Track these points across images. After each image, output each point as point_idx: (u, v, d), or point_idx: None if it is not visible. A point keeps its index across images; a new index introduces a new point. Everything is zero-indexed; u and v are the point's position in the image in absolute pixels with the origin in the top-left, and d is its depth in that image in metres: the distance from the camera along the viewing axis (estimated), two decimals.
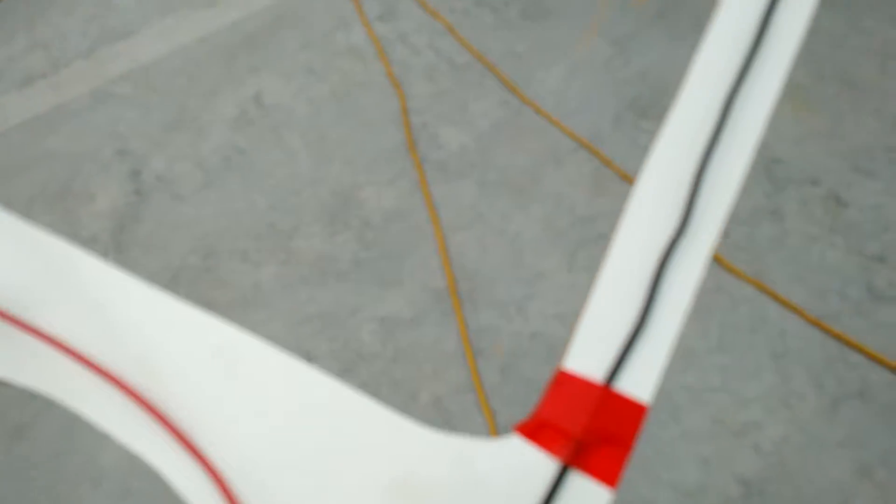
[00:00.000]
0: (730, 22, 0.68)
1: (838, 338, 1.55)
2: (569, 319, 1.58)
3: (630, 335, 0.57)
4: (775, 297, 1.61)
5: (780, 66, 0.64)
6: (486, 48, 2.07)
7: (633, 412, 0.55)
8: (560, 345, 1.53)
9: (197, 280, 1.66)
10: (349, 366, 1.55)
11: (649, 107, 1.92)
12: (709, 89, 0.65)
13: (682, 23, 2.06)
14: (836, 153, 1.82)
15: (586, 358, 0.57)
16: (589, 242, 1.69)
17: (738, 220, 1.72)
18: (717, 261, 1.66)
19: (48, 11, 2.26)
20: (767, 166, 1.80)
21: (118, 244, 1.72)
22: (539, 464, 0.55)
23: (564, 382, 0.57)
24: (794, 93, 1.93)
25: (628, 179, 1.79)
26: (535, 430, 0.56)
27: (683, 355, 1.55)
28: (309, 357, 1.49)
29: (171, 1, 2.25)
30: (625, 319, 0.58)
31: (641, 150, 1.84)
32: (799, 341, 1.56)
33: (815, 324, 1.57)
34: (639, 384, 0.55)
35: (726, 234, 1.70)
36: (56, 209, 1.75)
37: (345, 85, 2.01)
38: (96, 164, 1.84)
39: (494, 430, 1.48)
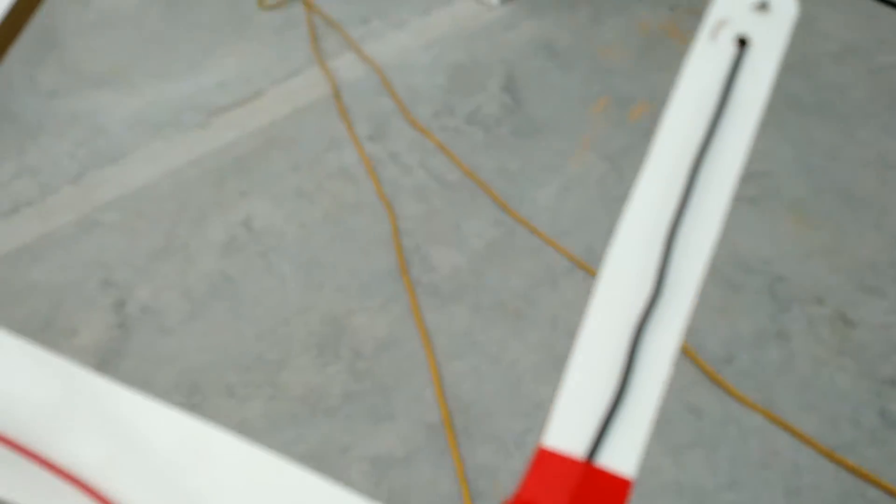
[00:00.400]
0: (692, 89, 0.68)
1: (854, 471, 1.47)
2: None
3: (609, 408, 0.55)
4: (786, 427, 1.53)
5: (744, 134, 0.65)
6: (477, 166, 2.06)
7: (617, 487, 0.53)
8: None
9: None
10: None
11: None
12: (674, 156, 0.65)
13: None
14: (840, 270, 1.77)
15: (566, 433, 0.55)
16: None
17: (743, 344, 1.66)
18: (724, 388, 1.59)
19: (39, 135, 2.25)
20: (771, 285, 1.75)
21: None
22: None
23: (545, 460, 0.55)
24: (793, 207, 1.90)
25: None
26: None
27: (693, 494, 1.46)
28: None
29: (162, 123, 2.25)
30: (604, 392, 0.56)
31: None
32: (813, 475, 1.47)
33: (829, 456, 1.49)
34: (622, 458, 0.54)
35: (731, 360, 1.64)
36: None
37: (335, 207, 1.98)
38: (80, 297, 1.79)
39: None
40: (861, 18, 2.38)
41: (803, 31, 2.35)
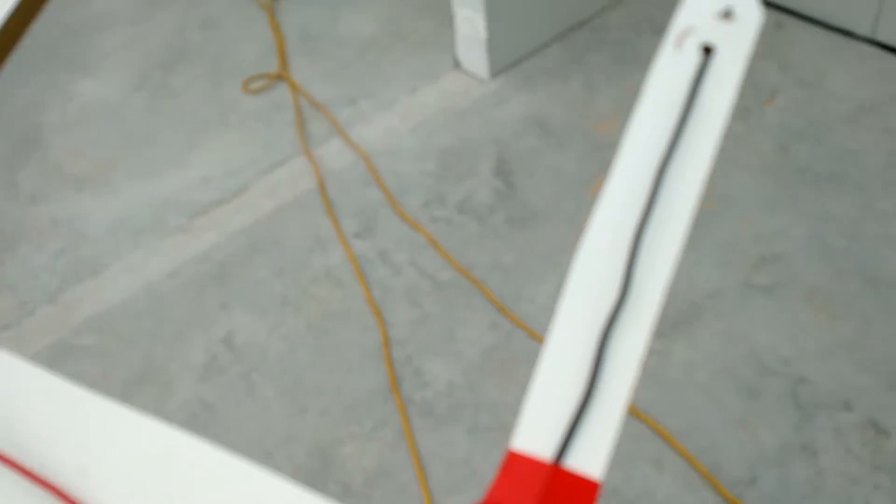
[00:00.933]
0: (657, 98, 0.69)
1: None
2: None
3: (577, 410, 0.55)
4: None
5: (709, 140, 0.66)
6: (471, 262, 1.94)
7: (585, 489, 0.53)
8: None
9: None
10: None
11: None
12: (640, 162, 0.65)
13: None
14: (867, 367, 1.62)
15: (534, 436, 0.55)
16: None
17: (766, 461, 1.51)
18: None
19: (19, 245, 2.17)
20: (793, 389, 1.60)
21: None
22: None
23: (513, 463, 0.55)
24: (812, 295, 1.76)
25: (634, 412, 1.60)
26: None
27: None
28: None
29: (143, 227, 2.16)
30: (572, 394, 0.56)
31: (647, 372, 1.66)
32: None
33: None
34: (589, 460, 0.54)
35: (754, 481, 1.49)
36: None
37: (321, 316, 1.87)
38: None
39: None
40: (873, 73, 2.24)
41: (812, 92, 2.22)
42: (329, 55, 2.69)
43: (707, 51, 0.70)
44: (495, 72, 2.44)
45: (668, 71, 0.70)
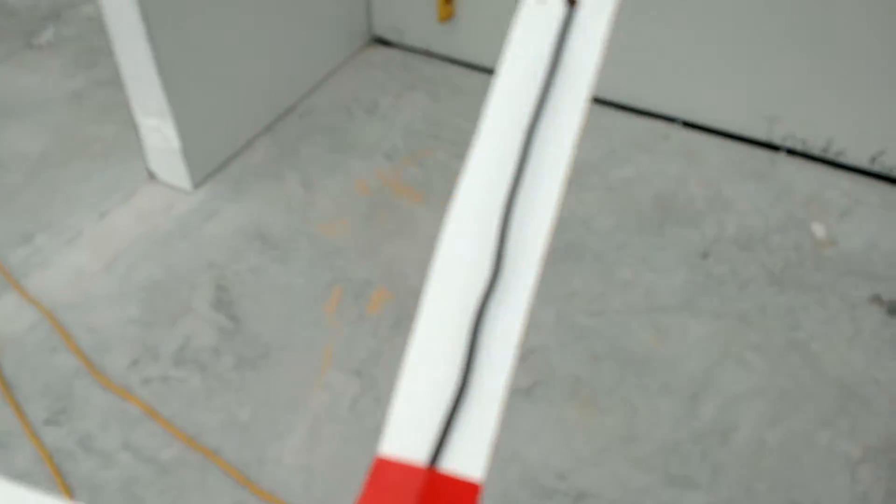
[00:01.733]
0: (520, 57, 0.63)
1: None
2: None
3: (451, 406, 0.50)
4: None
5: (578, 98, 0.61)
6: (199, 427, 1.62)
7: (465, 492, 0.47)
8: None
9: None
10: None
11: None
12: (505, 128, 0.59)
13: None
14: (642, 463, 1.53)
15: (405, 439, 0.50)
16: None
17: None
18: None
19: None
20: None
21: None
22: None
23: (383, 470, 0.49)
24: (574, 390, 1.65)
25: None
26: None
27: None
28: None
29: None
30: (444, 390, 0.51)
31: None
32: None
33: None
34: (468, 460, 0.49)
35: None
36: None
37: None
38: None
39: None
40: (588, 130, 2.23)
41: None
42: None
43: (572, 2, 0.65)
44: (198, 180, 2.13)
45: (531, 26, 0.65)
